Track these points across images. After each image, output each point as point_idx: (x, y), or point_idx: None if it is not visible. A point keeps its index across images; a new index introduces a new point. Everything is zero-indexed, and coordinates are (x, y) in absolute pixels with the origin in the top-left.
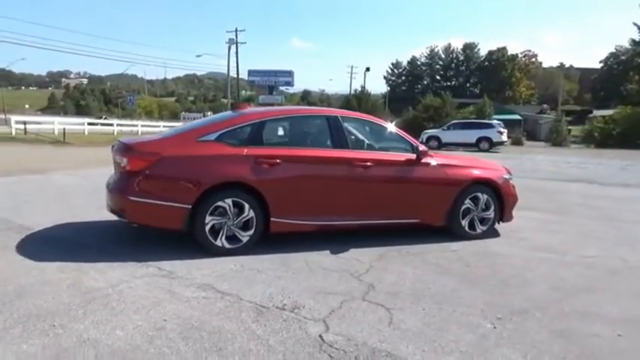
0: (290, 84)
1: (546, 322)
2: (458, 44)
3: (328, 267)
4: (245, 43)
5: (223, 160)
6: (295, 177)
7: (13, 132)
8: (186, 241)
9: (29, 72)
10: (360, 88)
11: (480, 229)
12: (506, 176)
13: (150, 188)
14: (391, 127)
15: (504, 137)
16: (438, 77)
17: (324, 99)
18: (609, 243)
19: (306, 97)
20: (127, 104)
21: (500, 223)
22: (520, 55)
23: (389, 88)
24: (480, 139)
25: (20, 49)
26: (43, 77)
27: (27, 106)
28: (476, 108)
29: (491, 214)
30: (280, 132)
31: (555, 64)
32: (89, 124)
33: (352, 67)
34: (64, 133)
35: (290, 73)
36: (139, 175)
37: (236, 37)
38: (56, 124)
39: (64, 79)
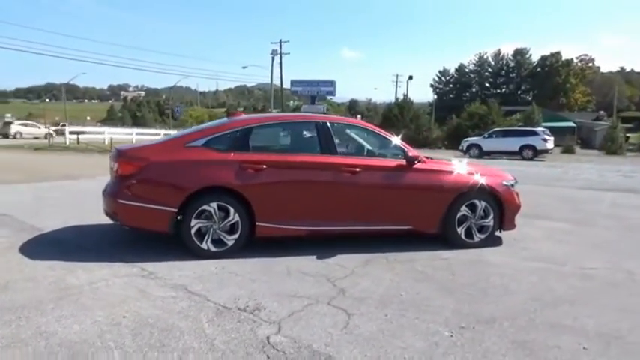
0: (332, 93)
1: (511, 332)
2: (508, 50)
3: (308, 271)
4: (289, 53)
5: (209, 166)
6: (281, 182)
7: (67, 142)
8: (179, 243)
9: (92, 86)
10: (402, 97)
11: (478, 237)
12: (507, 183)
13: (138, 192)
14: (383, 133)
15: (550, 145)
16: (487, 84)
17: (371, 108)
18: (620, 255)
19: (353, 107)
20: (175, 114)
21: (502, 231)
22: (575, 60)
23: (436, 97)
24: (523, 147)
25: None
26: (104, 90)
27: (88, 118)
28: (523, 115)
29: (490, 222)
30: (268, 138)
31: (615, 68)
32: (137, 134)
33: (397, 75)
34: (111, 142)
35: (332, 83)
36: (129, 180)
37: (280, 48)
38: (106, 134)
39: (123, 92)
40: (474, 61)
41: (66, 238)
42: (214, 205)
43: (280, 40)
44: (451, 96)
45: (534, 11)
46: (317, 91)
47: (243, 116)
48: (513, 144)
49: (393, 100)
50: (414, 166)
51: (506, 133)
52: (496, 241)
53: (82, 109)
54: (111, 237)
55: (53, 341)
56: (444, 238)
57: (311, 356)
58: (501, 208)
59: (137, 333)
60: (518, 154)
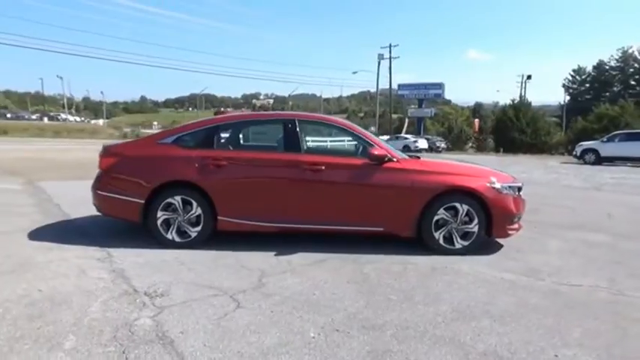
0: (440, 96)
1: (383, 342)
2: None
3: (250, 266)
4: (398, 57)
5: (174, 161)
6: (241, 178)
7: None
8: None
9: (228, 95)
10: (518, 98)
11: (459, 244)
12: (498, 185)
13: (113, 184)
14: (357, 130)
15: None
16: (632, 82)
17: (496, 111)
18: (625, 273)
19: (477, 110)
20: None
21: (491, 238)
22: None
23: (569, 97)
24: None
25: (217, 77)
26: (238, 99)
27: None
28: None
29: (473, 227)
30: (235, 136)
31: None
32: None
33: (523, 75)
34: None
35: (440, 85)
36: (107, 173)
37: (390, 52)
38: None
39: (254, 100)
40: (617, 57)
41: (80, 225)
42: (179, 198)
43: (390, 44)
44: (587, 97)
45: None
46: (424, 94)
47: (224, 115)
48: (638, 149)
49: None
50: (385, 165)
51: (630, 137)
52: (488, 250)
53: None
54: (118, 225)
55: None
56: (423, 244)
57: (153, 340)
58: (488, 212)
59: (33, 304)
60: None
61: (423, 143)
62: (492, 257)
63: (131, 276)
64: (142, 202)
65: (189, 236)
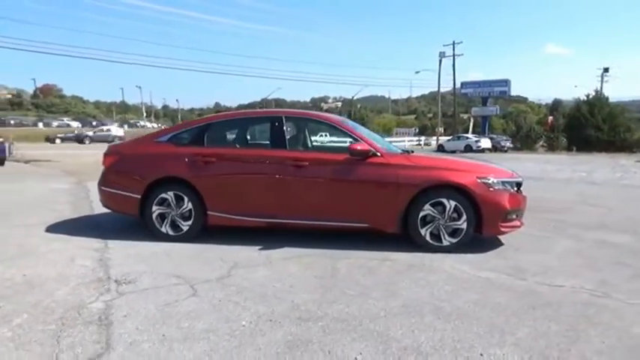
0: (505, 93)
1: (309, 332)
2: None
3: (228, 259)
4: (462, 54)
5: (167, 158)
6: (228, 174)
7: None
8: None
9: (297, 99)
10: (594, 93)
11: (447, 241)
12: (489, 180)
13: (114, 180)
14: (342, 126)
15: None
16: None
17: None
18: (628, 275)
19: (556, 107)
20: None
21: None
22: None
23: None
24: None
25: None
26: (307, 103)
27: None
28: None
29: (462, 224)
30: (225, 133)
31: None
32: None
33: (604, 69)
34: None
35: (505, 82)
36: (109, 170)
37: (453, 49)
38: None
39: (322, 104)
40: None
41: (97, 220)
42: (171, 193)
43: (453, 42)
44: None
45: None
46: (489, 92)
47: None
48: None
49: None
50: (369, 160)
51: None
52: (482, 248)
53: None
54: (131, 221)
55: None
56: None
57: (93, 321)
58: (477, 208)
59: (11, 286)
60: None
61: (486, 143)
62: (482, 255)
63: (113, 265)
64: (139, 197)
65: (182, 230)
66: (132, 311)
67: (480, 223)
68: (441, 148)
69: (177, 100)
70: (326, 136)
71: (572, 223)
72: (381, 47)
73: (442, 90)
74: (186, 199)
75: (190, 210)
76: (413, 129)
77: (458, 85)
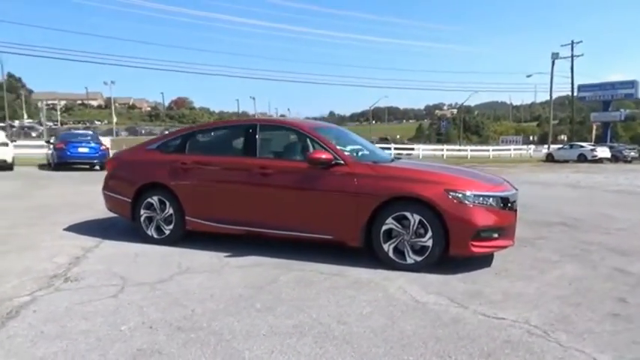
0: (632, 96)
1: (166, 341)
2: None
3: (185, 264)
4: (582, 55)
5: (152, 165)
6: (204, 181)
7: None
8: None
9: (410, 107)
10: None
11: (411, 258)
12: (460, 194)
13: (112, 185)
14: (313, 132)
15: None
16: None
17: None
18: (596, 313)
19: None
20: (441, 130)
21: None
22: None
23: None
24: None
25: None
26: (421, 110)
27: (398, 136)
28: None
29: (427, 241)
30: (207, 142)
31: None
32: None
33: None
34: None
35: (632, 84)
36: (110, 175)
37: (572, 50)
38: (393, 148)
39: (437, 111)
40: None
41: (113, 222)
42: (156, 198)
43: (572, 41)
44: None
45: None
46: (611, 95)
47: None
48: None
49: None
50: (332, 169)
51: None
52: (454, 268)
53: (396, 129)
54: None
55: None
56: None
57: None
58: (444, 224)
59: None
60: None
61: (603, 152)
62: (446, 277)
63: (82, 263)
64: (130, 200)
65: (164, 233)
66: (45, 307)
67: (447, 240)
68: (550, 158)
69: (288, 109)
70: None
71: (607, 247)
72: (499, 51)
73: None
74: (167, 204)
75: (171, 215)
76: (520, 137)
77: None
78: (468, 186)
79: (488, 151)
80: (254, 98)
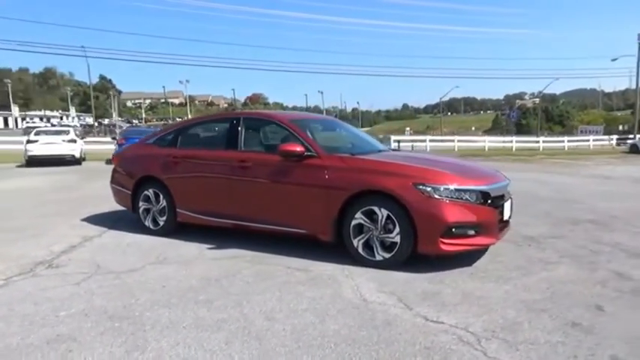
0: None
1: (79, 330)
2: None
3: (162, 255)
4: None
5: (148, 159)
6: (191, 174)
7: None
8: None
9: (488, 97)
10: None
11: (380, 255)
12: (428, 187)
13: (117, 178)
14: (290, 123)
15: None
16: None
17: None
18: (555, 319)
19: None
20: (510, 120)
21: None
22: None
23: None
24: None
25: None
26: (500, 101)
27: (473, 128)
28: None
29: (395, 237)
30: (195, 135)
31: None
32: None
33: None
34: (410, 148)
35: None
36: (114, 169)
37: None
38: (457, 141)
39: (518, 101)
40: None
41: (127, 214)
42: (151, 191)
43: None
44: None
45: None
46: None
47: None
48: None
49: None
50: (305, 162)
51: None
52: (429, 267)
53: (471, 120)
54: None
55: None
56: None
57: None
58: (411, 220)
59: None
60: None
61: None
62: (413, 276)
63: (74, 251)
64: (130, 193)
65: (159, 224)
66: (8, 292)
67: (416, 237)
68: (634, 149)
69: (357, 103)
70: None
71: (623, 249)
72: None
73: None
74: (161, 196)
75: (165, 207)
76: (600, 127)
77: None
78: (439, 179)
79: (563, 142)
80: (322, 92)
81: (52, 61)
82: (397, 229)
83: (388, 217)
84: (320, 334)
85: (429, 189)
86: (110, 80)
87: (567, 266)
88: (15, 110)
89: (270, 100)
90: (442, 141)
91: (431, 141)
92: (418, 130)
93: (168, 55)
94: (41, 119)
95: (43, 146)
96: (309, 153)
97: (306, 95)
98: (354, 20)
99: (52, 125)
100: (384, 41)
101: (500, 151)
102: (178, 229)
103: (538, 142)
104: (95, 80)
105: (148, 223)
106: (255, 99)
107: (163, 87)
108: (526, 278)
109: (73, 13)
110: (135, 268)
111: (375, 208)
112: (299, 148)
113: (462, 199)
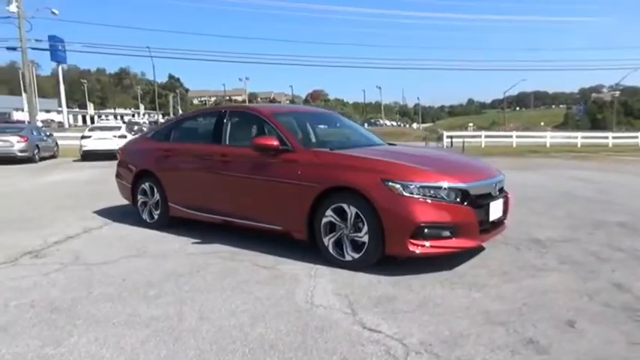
0: None
1: (20, 321)
2: None
3: (144, 249)
4: None
5: (145, 153)
6: (180, 169)
7: (444, 144)
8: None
9: (561, 91)
10: None
11: (350, 255)
12: (397, 184)
13: (120, 172)
14: (271, 117)
15: None
16: None
17: None
18: (519, 332)
19: None
20: (577, 115)
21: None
22: None
23: None
24: None
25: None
26: (574, 94)
27: (542, 123)
28: None
29: (363, 237)
30: (189, 129)
31: None
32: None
33: None
34: (461, 145)
35: None
36: (118, 164)
37: None
38: (515, 137)
39: (594, 94)
40: None
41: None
42: (147, 184)
43: None
44: None
45: None
46: None
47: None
48: None
49: None
50: (281, 156)
51: None
52: (407, 270)
53: (538, 116)
54: None
55: None
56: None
57: None
58: (378, 218)
59: None
60: None
61: None
62: (377, 279)
63: (66, 242)
64: (130, 186)
65: (154, 218)
66: None
67: (383, 237)
68: None
69: (418, 98)
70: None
71: (638, 255)
72: None
73: None
74: (155, 190)
75: (158, 200)
76: None
77: None
78: (409, 174)
79: (637, 138)
80: (380, 88)
81: (126, 61)
82: (365, 229)
83: (357, 215)
84: (242, 338)
85: (397, 185)
86: (178, 79)
87: (561, 274)
88: (90, 108)
89: (331, 97)
90: (498, 137)
91: (487, 137)
92: (482, 126)
93: (231, 54)
94: (115, 117)
95: (96, 141)
96: (284, 147)
97: (364, 91)
98: (416, 14)
99: (124, 122)
100: (446, 34)
101: (563, 148)
102: (182, 223)
103: (607, 137)
104: (165, 79)
105: (145, 216)
106: (316, 95)
107: (223, 85)
108: (506, 286)
109: (146, 17)
110: (109, 261)
111: (345, 206)
112: (274, 142)
113: (435, 196)
